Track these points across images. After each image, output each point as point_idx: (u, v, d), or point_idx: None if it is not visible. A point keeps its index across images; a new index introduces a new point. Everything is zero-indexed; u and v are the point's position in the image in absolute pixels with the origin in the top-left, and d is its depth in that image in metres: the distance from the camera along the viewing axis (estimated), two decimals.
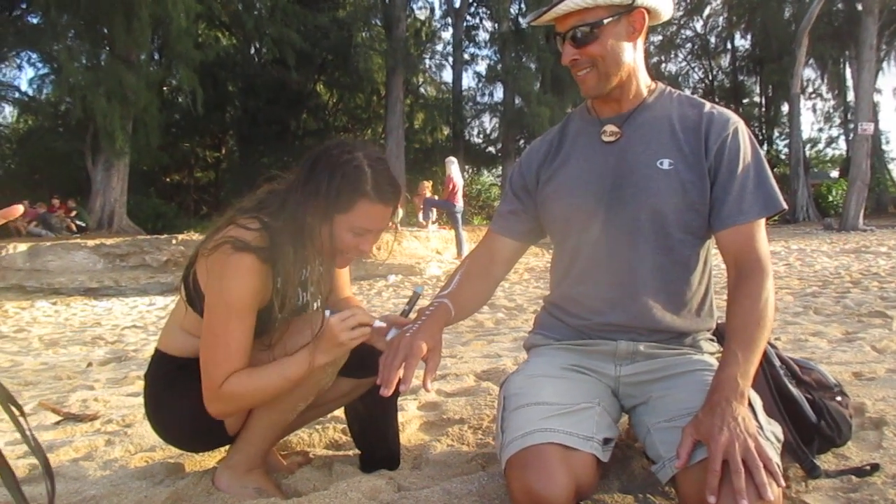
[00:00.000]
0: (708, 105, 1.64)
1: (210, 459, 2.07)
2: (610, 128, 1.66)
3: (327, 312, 1.60)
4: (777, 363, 1.76)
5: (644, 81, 1.67)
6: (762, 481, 1.21)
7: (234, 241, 1.55)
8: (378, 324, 1.59)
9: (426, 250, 12.23)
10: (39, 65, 22.01)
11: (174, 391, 1.73)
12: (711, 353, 1.69)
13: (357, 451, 2.02)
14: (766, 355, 1.71)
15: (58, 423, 2.71)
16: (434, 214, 14.13)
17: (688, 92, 1.73)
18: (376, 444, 1.95)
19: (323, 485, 1.79)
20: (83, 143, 19.38)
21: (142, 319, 7.07)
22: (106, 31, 18.58)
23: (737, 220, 1.54)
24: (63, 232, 17.33)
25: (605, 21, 1.55)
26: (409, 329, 1.53)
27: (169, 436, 1.81)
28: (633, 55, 1.61)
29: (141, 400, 2.88)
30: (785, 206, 1.58)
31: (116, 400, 3.09)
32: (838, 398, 1.82)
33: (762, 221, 1.56)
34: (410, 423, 2.35)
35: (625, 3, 1.55)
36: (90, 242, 11.87)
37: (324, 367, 1.66)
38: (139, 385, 3.46)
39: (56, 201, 18.85)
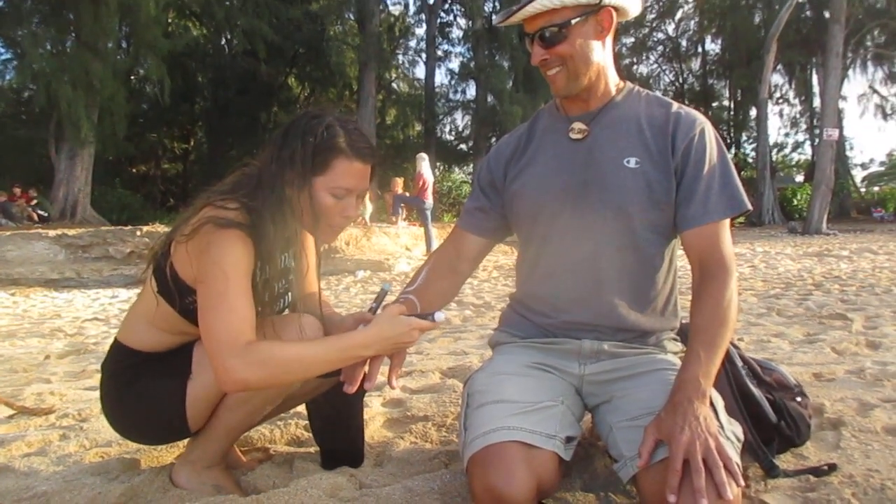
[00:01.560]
0: (675, 105, 1.65)
1: (167, 455, 2.03)
2: (578, 125, 1.66)
3: (440, 315, 1.55)
4: (739, 363, 1.77)
5: (613, 80, 1.67)
6: (722, 480, 1.22)
7: (215, 220, 1.48)
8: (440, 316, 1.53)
9: (395, 246, 12.20)
10: (2, 50, 21.53)
11: (136, 384, 1.67)
12: (675, 353, 1.70)
13: (318, 449, 1.99)
14: (728, 355, 1.73)
15: (11, 416, 2.64)
16: (404, 211, 14.09)
17: (658, 93, 1.74)
18: (339, 441, 1.92)
19: (283, 482, 1.76)
20: (46, 131, 19.01)
21: (104, 312, 6.94)
22: (72, 17, 18.23)
23: (702, 220, 1.54)
24: (24, 221, 16.96)
25: (573, 21, 1.54)
26: None
27: (126, 429, 1.75)
28: (601, 54, 1.61)
29: (98, 394, 2.82)
30: (750, 206, 1.59)
31: (73, 394, 3.02)
32: (798, 399, 1.84)
33: (727, 222, 1.56)
34: (374, 419, 2.33)
35: (592, 3, 1.54)
36: (52, 232, 11.62)
37: None
38: (97, 378, 3.38)
39: (17, 190, 18.43)
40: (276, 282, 1.65)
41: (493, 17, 25.79)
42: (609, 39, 1.63)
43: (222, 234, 1.48)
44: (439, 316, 1.53)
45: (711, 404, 1.38)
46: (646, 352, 1.66)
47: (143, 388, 1.67)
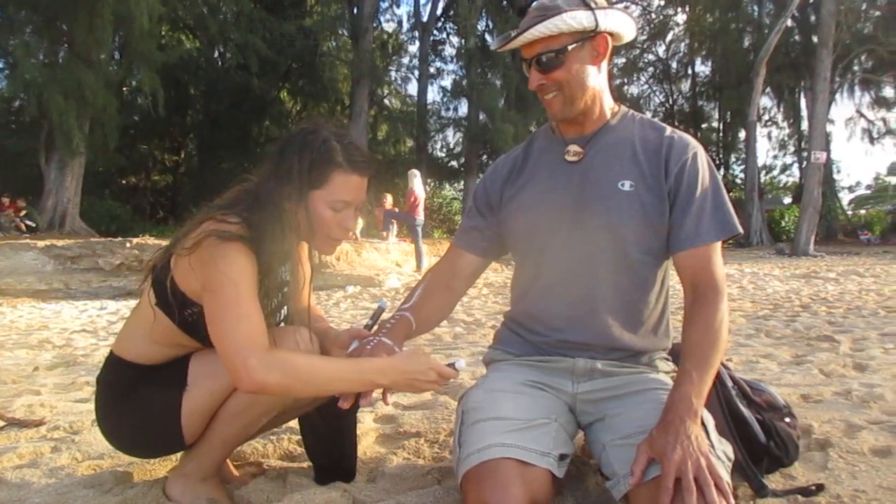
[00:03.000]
0: (669, 129, 1.69)
1: (160, 469, 2.03)
2: (573, 148, 1.69)
3: (461, 362, 1.60)
4: (729, 384, 1.80)
5: (608, 104, 1.71)
6: (713, 499, 1.24)
7: (218, 233, 1.50)
8: (461, 364, 1.56)
9: (386, 262, 12.21)
10: None
11: (131, 397, 1.68)
12: (667, 373, 1.72)
13: (311, 464, 2.00)
14: (718, 376, 1.75)
15: (1, 428, 2.63)
16: (395, 227, 14.11)
17: (649, 115, 1.78)
18: (332, 456, 1.93)
19: (276, 496, 1.76)
20: (37, 142, 18.95)
21: (92, 324, 6.90)
22: (66, 28, 18.22)
23: (694, 243, 1.58)
24: (12, 231, 16.86)
25: (570, 47, 1.58)
26: (369, 342, 1.53)
27: (122, 441, 1.76)
28: (597, 78, 1.65)
29: (90, 406, 2.81)
30: (741, 230, 1.62)
31: (64, 406, 3.01)
32: (787, 419, 1.87)
33: (718, 244, 1.60)
34: (367, 435, 2.34)
35: (588, 29, 1.58)
36: (40, 243, 11.57)
37: None
38: (88, 391, 3.38)
39: (6, 200, 18.29)
40: (273, 296, 1.66)
41: (487, 36, 26.10)
42: (604, 64, 1.67)
43: (226, 247, 1.50)
44: (461, 363, 1.55)
45: (702, 424, 1.40)
46: (638, 371, 1.68)
47: (139, 400, 1.67)
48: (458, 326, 5.60)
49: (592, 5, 1.59)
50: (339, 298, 9.01)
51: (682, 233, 1.59)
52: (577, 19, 1.57)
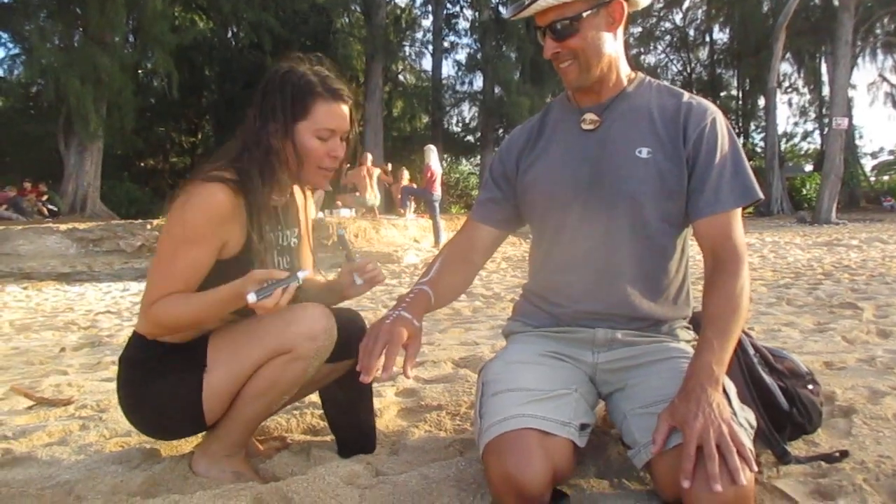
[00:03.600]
0: (686, 95, 1.66)
1: (186, 445, 2.06)
2: (590, 116, 1.67)
3: (302, 273, 1.61)
4: (751, 351, 1.79)
5: (624, 71, 1.68)
6: (735, 466, 1.24)
7: (203, 175, 1.59)
8: (251, 298, 1.50)
9: (404, 238, 12.22)
10: (10, 45, 21.70)
11: (152, 377, 1.70)
12: (687, 341, 1.72)
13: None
14: (740, 343, 1.74)
15: (30, 407, 2.68)
16: (412, 203, 14.11)
17: (668, 83, 1.75)
18: (352, 427, 1.95)
19: (301, 470, 1.78)
20: (56, 126, 19.06)
21: (116, 305, 6.99)
22: (79, 11, 18.28)
23: (714, 210, 1.56)
24: (34, 216, 17.06)
25: (585, 14, 1.55)
26: (389, 316, 1.53)
27: (142, 422, 1.78)
28: (613, 45, 1.62)
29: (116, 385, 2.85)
30: (761, 195, 1.60)
31: (90, 385, 3.06)
32: (809, 386, 1.86)
33: (738, 211, 1.58)
34: (388, 409, 2.36)
35: None
36: (62, 227, 11.69)
37: (310, 360, 1.66)
38: (113, 370, 3.42)
39: (27, 185, 18.54)
40: (271, 227, 1.74)
41: (501, 8, 25.80)
42: (620, 31, 1.64)
43: (204, 187, 1.58)
44: (301, 274, 1.58)
45: (724, 391, 1.40)
46: (659, 340, 1.68)
47: (160, 381, 1.70)
48: (478, 301, 5.60)
49: None
50: None
51: (701, 200, 1.57)
52: None
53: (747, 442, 1.32)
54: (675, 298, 1.71)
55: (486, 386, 1.59)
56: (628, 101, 1.67)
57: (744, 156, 1.61)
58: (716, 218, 1.56)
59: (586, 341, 1.68)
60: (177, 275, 1.60)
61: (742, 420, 1.41)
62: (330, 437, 2.05)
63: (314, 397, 2.51)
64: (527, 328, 1.78)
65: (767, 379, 1.76)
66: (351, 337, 1.68)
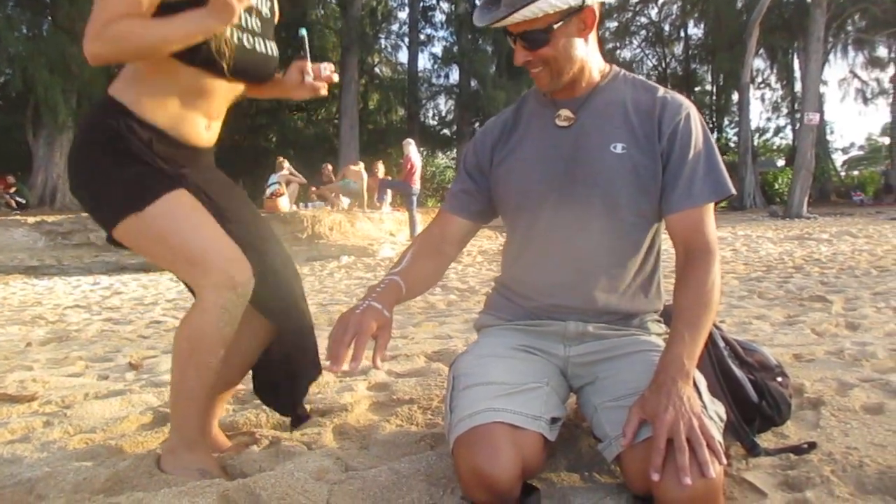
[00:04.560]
0: (661, 90, 1.65)
1: (152, 440, 2.03)
2: (564, 112, 1.66)
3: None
4: (721, 344, 1.79)
5: (597, 66, 1.67)
6: (705, 459, 1.23)
7: None
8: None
9: (379, 232, 12.18)
10: None
11: (108, 165, 1.67)
12: (658, 335, 1.71)
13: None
14: (710, 336, 1.74)
15: None
16: (389, 196, 14.07)
17: (643, 77, 1.74)
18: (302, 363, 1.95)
19: (269, 465, 1.76)
20: (23, 117, 18.74)
21: (85, 299, 6.88)
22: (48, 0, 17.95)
23: (686, 205, 1.55)
24: (1, 208, 16.75)
25: (556, 26, 1.53)
26: (359, 306, 1.51)
27: (78, 187, 1.75)
28: (584, 49, 1.61)
29: (82, 380, 2.81)
30: (734, 191, 1.60)
31: (56, 381, 2.99)
32: (779, 379, 1.87)
33: (711, 206, 1.58)
34: (360, 403, 2.34)
35: (574, 6, 1.53)
36: (30, 219, 11.50)
37: (225, 307, 1.66)
38: (81, 365, 3.37)
39: None
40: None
41: (477, 1, 25.71)
42: (593, 33, 1.62)
43: None
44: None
45: (695, 384, 1.40)
46: (629, 333, 1.67)
47: (113, 173, 1.67)
48: (452, 294, 5.60)
49: None
50: (334, 269, 8.99)
51: (674, 195, 1.57)
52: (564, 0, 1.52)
53: (717, 435, 1.32)
54: (647, 292, 1.70)
55: (456, 380, 1.58)
56: (603, 96, 1.65)
57: (717, 151, 1.61)
58: (688, 213, 1.55)
59: (557, 334, 1.67)
60: (118, 4, 1.54)
61: (712, 413, 1.41)
62: (300, 433, 2.02)
63: None
64: (499, 321, 1.77)
65: (737, 372, 1.76)
66: (289, 302, 1.77)
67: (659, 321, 1.76)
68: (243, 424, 2.16)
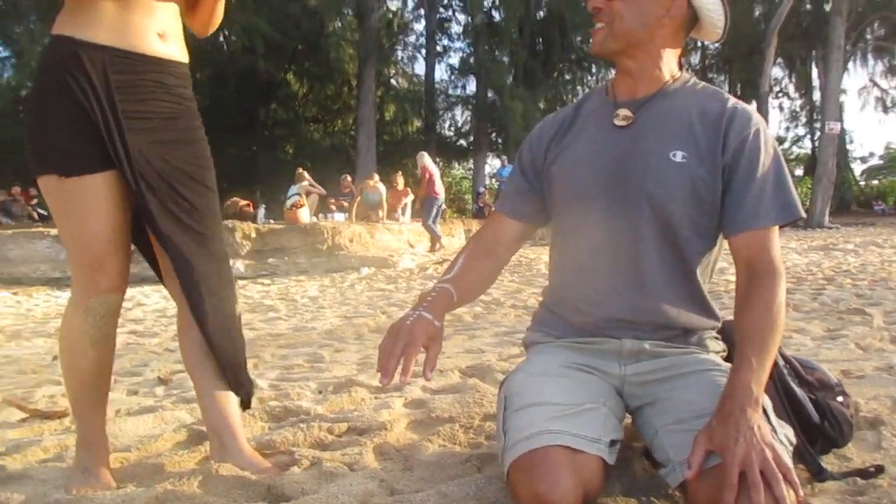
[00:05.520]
0: (732, 100, 1.57)
1: (189, 461, 1.98)
2: (623, 112, 1.59)
3: None
4: (782, 362, 1.71)
5: (669, 68, 1.60)
6: (782, 494, 1.16)
7: None
8: None
9: (399, 243, 12.14)
10: (0, 48, 21.45)
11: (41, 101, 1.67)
12: (717, 352, 1.65)
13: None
14: None
15: (24, 420, 2.59)
16: (410, 208, 14.13)
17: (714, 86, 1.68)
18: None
19: (312, 488, 1.70)
20: None
21: None
22: None
23: (753, 225, 1.48)
24: (24, 220, 16.88)
25: None
26: (410, 316, 1.45)
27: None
28: (657, 34, 1.54)
29: (112, 396, 2.76)
30: (803, 214, 1.53)
31: None
32: (840, 398, 1.79)
33: (777, 227, 1.50)
34: (398, 421, 2.27)
35: None
36: (53, 231, 11.51)
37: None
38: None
39: (17, 189, 18.33)
40: None
41: (493, 12, 25.80)
42: (677, 32, 1.57)
43: None
44: None
45: (762, 408, 1.33)
46: (688, 351, 1.60)
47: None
48: (478, 306, 5.53)
49: None
50: (354, 280, 8.96)
51: (740, 213, 1.49)
52: None
53: (791, 465, 1.25)
54: (704, 307, 1.63)
55: (508, 400, 1.51)
56: (667, 100, 1.58)
57: (786, 170, 1.53)
58: (754, 233, 1.48)
59: (613, 352, 1.60)
60: None
61: (782, 437, 1.34)
62: (340, 452, 1.97)
63: (321, 410, 2.44)
64: (548, 338, 1.71)
65: (799, 391, 1.69)
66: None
67: (717, 338, 1.69)
68: (280, 443, 2.10)
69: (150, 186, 1.69)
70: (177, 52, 1.81)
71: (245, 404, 1.96)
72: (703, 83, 1.64)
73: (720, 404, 1.31)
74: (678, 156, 1.52)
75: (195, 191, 1.78)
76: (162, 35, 1.75)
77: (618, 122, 1.59)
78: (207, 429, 1.93)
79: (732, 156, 1.50)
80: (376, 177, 14.29)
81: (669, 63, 1.60)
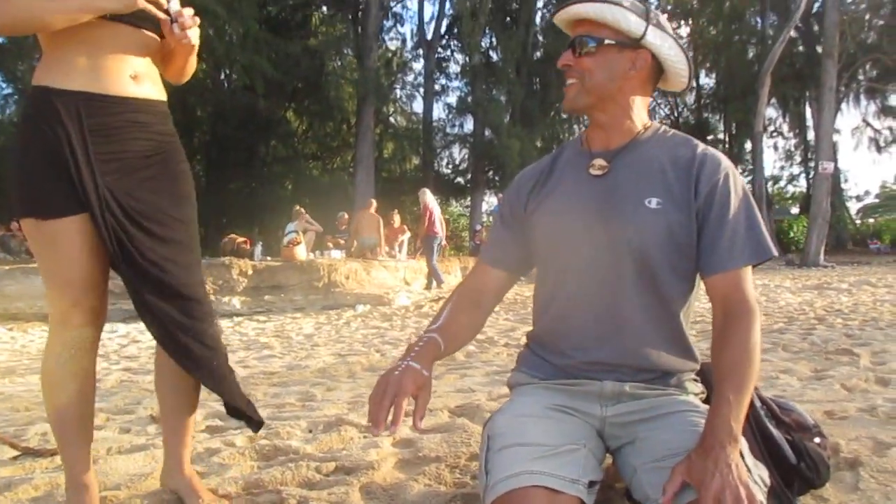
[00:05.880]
0: (701, 146, 1.65)
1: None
2: (599, 162, 1.66)
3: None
4: (758, 404, 1.75)
5: (639, 119, 1.68)
6: None
7: None
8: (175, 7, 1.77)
9: (395, 280, 12.17)
10: (3, 84, 21.71)
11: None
12: (696, 394, 1.69)
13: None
14: None
15: (16, 458, 2.60)
16: (406, 245, 14.20)
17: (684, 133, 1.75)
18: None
19: None
20: None
21: (103, 347, 6.88)
22: None
23: (726, 266, 1.54)
24: (22, 255, 16.89)
25: (606, 41, 1.57)
26: (398, 367, 1.50)
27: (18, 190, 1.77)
28: (625, 87, 1.62)
29: (104, 434, 2.78)
30: (775, 252, 1.58)
31: None
32: (817, 439, 1.82)
33: (750, 266, 1.56)
34: (385, 460, 2.30)
35: (632, 36, 1.57)
36: None
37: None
38: (102, 417, 3.35)
39: (16, 224, 18.37)
40: None
41: (491, 52, 26.20)
42: (643, 84, 1.65)
43: None
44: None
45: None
46: (667, 393, 1.64)
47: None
48: (471, 345, 5.55)
49: (653, 21, 1.58)
50: (350, 318, 8.97)
51: (714, 256, 1.55)
52: (627, 20, 1.56)
53: (764, 503, 1.28)
54: (683, 350, 1.68)
55: (491, 440, 1.55)
56: (640, 149, 1.65)
57: (757, 211, 1.60)
58: (728, 274, 1.54)
59: (594, 394, 1.64)
60: None
61: (756, 478, 1.37)
62: (327, 492, 1.99)
63: (310, 449, 2.46)
64: (532, 379, 1.75)
65: (776, 432, 1.72)
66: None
67: (696, 380, 1.73)
68: (269, 483, 2.13)
69: (117, 228, 1.75)
70: (151, 90, 1.88)
71: (256, 426, 2.00)
72: (673, 131, 1.72)
73: (701, 439, 1.36)
74: (653, 202, 1.58)
75: (170, 226, 1.84)
76: (135, 77, 1.82)
77: (594, 172, 1.66)
78: (164, 449, 2.00)
79: (704, 200, 1.57)
80: (374, 203, 14.36)
81: (640, 113, 1.68)
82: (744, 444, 1.44)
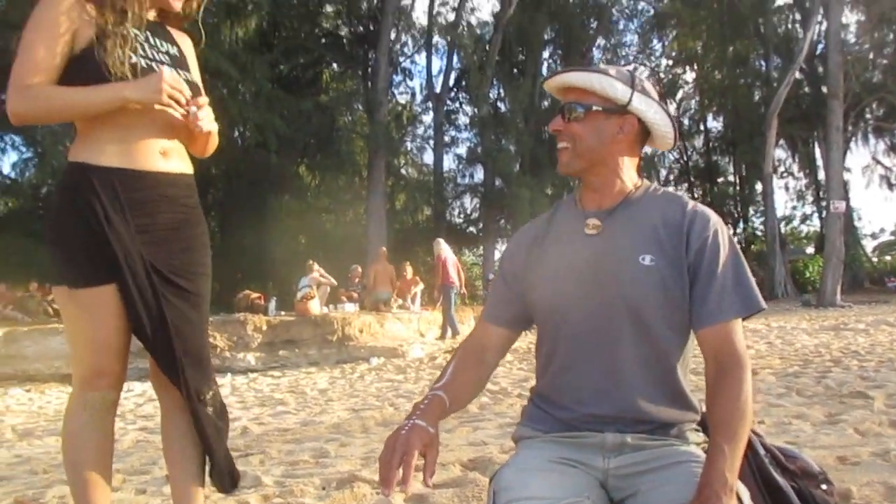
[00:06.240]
0: (691, 204, 1.71)
1: None
2: (592, 221, 1.73)
3: (165, 68, 1.85)
4: (762, 452, 1.77)
5: (629, 179, 1.75)
6: None
7: None
8: (193, 110, 1.88)
9: (409, 332, 12.19)
10: (23, 148, 22.22)
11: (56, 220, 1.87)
12: (698, 444, 1.71)
13: None
14: (750, 444, 1.72)
15: None
16: (419, 297, 14.26)
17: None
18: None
19: None
20: None
21: (119, 407, 6.91)
22: None
23: (717, 319, 1.59)
24: (40, 316, 17.05)
25: (594, 108, 1.65)
26: (405, 426, 1.54)
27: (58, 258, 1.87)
28: (614, 149, 1.70)
29: (120, 495, 2.82)
30: (764, 305, 1.63)
31: None
32: (823, 486, 1.83)
33: (740, 319, 1.61)
34: None
35: (618, 103, 1.65)
36: None
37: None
38: (118, 479, 3.38)
39: (34, 285, 18.60)
40: (157, 62, 1.91)
41: (499, 104, 26.59)
42: (631, 145, 1.73)
43: None
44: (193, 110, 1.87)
45: (738, 497, 1.39)
46: (669, 444, 1.67)
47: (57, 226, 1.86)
48: (485, 396, 5.56)
49: (638, 87, 1.66)
50: (364, 371, 8.98)
51: (704, 310, 1.60)
52: (613, 88, 1.64)
53: None
54: (682, 401, 1.71)
55: (497, 495, 1.58)
56: (632, 208, 1.72)
57: (745, 266, 1.65)
58: (719, 327, 1.59)
59: (596, 446, 1.67)
60: (37, 59, 1.74)
61: None
62: None
63: (308, 489, 2.48)
64: (536, 433, 1.78)
65: (780, 480, 1.73)
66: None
67: (697, 430, 1.75)
68: None
69: (153, 295, 1.85)
70: (179, 165, 2.01)
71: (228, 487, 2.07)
72: (662, 189, 1.79)
73: (698, 491, 1.39)
74: (647, 259, 1.64)
75: (182, 297, 1.94)
76: (164, 153, 1.94)
77: (588, 231, 1.72)
78: None
79: (695, 256, 1.62)
80: (384, 251, 14.53)
81: (629, 173, 1.75)
82: (745, 493, 1.47)
